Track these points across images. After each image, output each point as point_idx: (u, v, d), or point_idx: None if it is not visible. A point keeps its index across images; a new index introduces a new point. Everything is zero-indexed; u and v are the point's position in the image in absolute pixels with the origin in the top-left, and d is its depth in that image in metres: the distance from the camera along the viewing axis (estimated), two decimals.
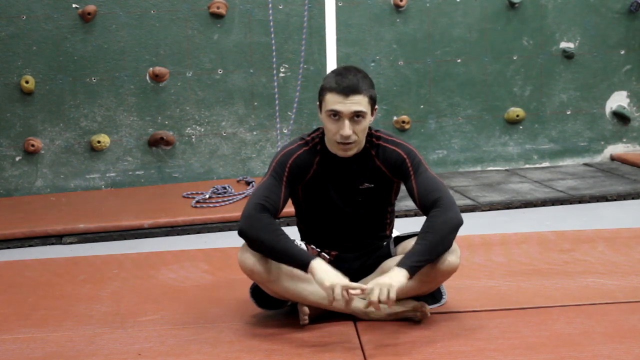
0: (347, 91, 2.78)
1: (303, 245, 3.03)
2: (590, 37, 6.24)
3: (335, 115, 2.81)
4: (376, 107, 2.91)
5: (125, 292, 3.50)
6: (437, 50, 6.11)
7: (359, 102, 2.79)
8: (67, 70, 5.76)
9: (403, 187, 3.02)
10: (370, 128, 2.95)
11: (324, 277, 2.69)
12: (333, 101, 2.80)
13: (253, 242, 2.81)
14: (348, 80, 2.79)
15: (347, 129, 2.79)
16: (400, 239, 3.03)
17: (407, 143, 2.97)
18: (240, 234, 2.83)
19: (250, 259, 2.83)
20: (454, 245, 2.85)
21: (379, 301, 2.66)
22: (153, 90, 5.87)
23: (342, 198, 2.96)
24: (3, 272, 3.91)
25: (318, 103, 2.90)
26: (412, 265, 2.72)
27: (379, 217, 3.05)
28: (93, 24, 5.75)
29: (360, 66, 5.91)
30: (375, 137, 2.95)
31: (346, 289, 2.70)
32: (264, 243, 2.78)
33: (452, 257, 2.84)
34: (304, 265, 2.74)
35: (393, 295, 2.65)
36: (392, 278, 2.68)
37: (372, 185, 2.95)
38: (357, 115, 2.80)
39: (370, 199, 2.98)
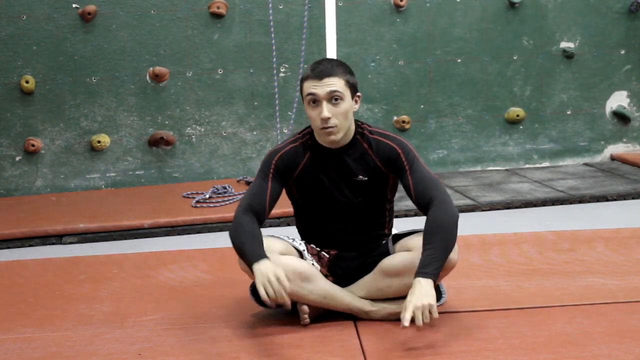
0: (321, 75, 2.84)
1: (303, 245, 3.03)
2: (590, 37, 6.24)
3: (314, 101, 2.86)
4: (358, 94, 2.94)
5: (125, 292, 3.50)
6: (437, 50, 6.12)
7: (334, 84, 2.84)
8: (67, 70, 5.76)
9: (401, 187, 3.02)
10: (360, 121, 2.99)
11: (259, 276, 2.68)
12: (309, 86, 2.87)
13: (232, 243, 2.84)
14: (322, 65, 2.88)
15: (325, 111, 2.83)
16: (398, 237, 3.03)
17: (400, 137, 2.99)
18: (229, 235, 2.87)
19: None
20: None
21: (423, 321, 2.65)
22: (153, 90, 5.88)
23: (338, 190, 2.97)
24: (3, 272, 3.92)
25: (301, 97, 2.95)
26: (435, 273, 2.70)
27: (377, 214, 3.05)
28: (93, 24, 5.75)
29: (360, 66, 5.95)
30: (368, 130, 2.97)
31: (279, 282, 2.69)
32: (235, 246, 2.83)
33: (451, 255, 2.83)
34: (250, 267, 2.76)
35: (435, 313, 2.65)
36: (425, 295, 2.64)
37: (366, 179, 2.96)
38: (334, 98, 2.84)
39: (366, 193, 2.98)
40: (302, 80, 2.91)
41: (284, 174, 2.96)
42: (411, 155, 2.92)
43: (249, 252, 2.76)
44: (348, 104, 2.87)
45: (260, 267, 2.70)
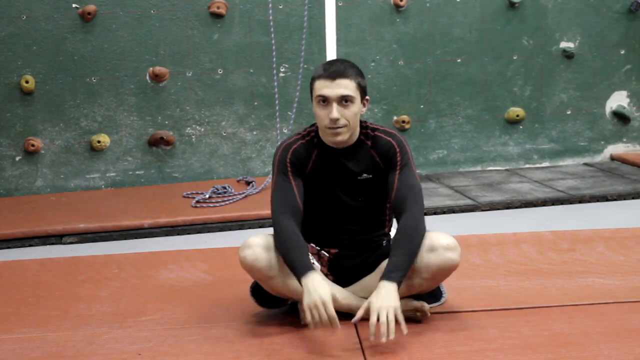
0: (334, 75, 2.85)
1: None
2: (590, 37, 6.24)
3: (324, 100, 2.86)
4: (367, 97, 2.96)
5: (125, 292, 3.51)
6: (437, 50, 6.11)
7: (346, 86, 2.85)
8: (67, 70, 5.76)
9: None
10: (365, 122, 2.99)
11: (307, 296, 2.69)
12: (320, 86, 2.87)
13: (278, 250, 2.86)
14: (335, 66, 2.88)
15: (335, 111, 2.84)
16: None
17: (400, 136, 3.00)
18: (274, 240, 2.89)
19: (251, 256, 2.84)
20: (455, 242, 2.87)
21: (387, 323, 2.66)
22: (153, 90, 5.88)
23: (342, 190, 2.98)
24: (3, 272, 3.92)
25: (310, 95, 2.95)
26: (400, 280, 2.75)
27: (377, 212, 3.05)
28: (93, 24, 5.75)
29: (360, 66, 5.92)
30: (370, 129, 2.99)
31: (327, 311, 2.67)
32: (281, 254, 2.84)
33: (452, 255, 2.84)
34: (298, 279, 2.77)
35: (400, 317, 2.68)
36: (390, 298, 2.68)
37: (370, 176, 2.97)
38: (345, 100, 2.85)
39: (369, 191, 2.99)
40: (314, 79, 2.91)
41: (299, 169, 2.97)
42: (406, 157, 2.94)
43: (295, 261, 2.77)
44: (357, 106, 2.89)
45: (309, 285, 2.70)
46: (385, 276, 2.74)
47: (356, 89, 2.87)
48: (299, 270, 2.76)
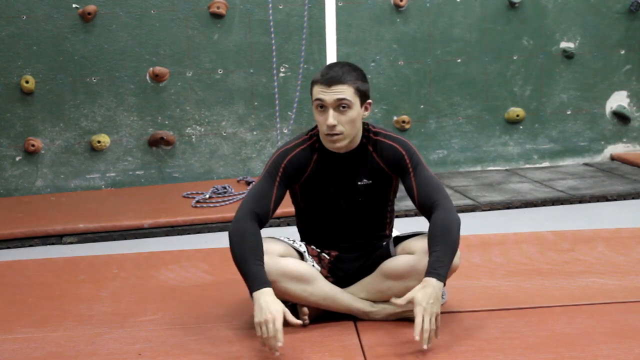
0: (330, 81, 2.81)
1: (304, 246, 3.03)
2: (590, 37, 6.24)
3: (321, 106, 2.84)
4: (369, 101, 2.92)
5: (125, 292, 3.51)
6: (437, 50, 6.12)
7: (343, 92, 2.81)
8: (67, 70, 5.76)
9: (402, 187, 3.02)
10: (367, 124, 2.96)
11: (258, 312, 2.65)
12: (317, 91, 2.84)
13: (231, 249, 2.81)
14: (332, 71, 2.84)
15: (331, 118, 2.81)
16: (399, 239, 3.03)
17: (404, 139, 2.98)
18: (229, 237, 2.83)
19: None
20: None
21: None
22: (153, 90, 5.88)
23: (341, 195, 2.96)
24: (3, 272, 3.91)
25: (311, 99, 2.93)
26: (445, 275, 2.71)
27: (378, 216, 3.04)
28: (93, 24, 5.75)
29: (360, 66, 5.95)
30: (372, 132, 2.96)
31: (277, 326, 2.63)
32: (234, 255, 2.79)
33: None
34: (250, 292, 2.72)
35: (439, 322, 2.68)
36: (436, 300, 2.65)
37: (370, 182, 2.95)
38: (342, 106, 2.81)
39: (369, 196, 2.97)
40: (312, 83, 2.88)
41: (292, 178, 2.93)
42: (415, 158, 2.91)
43: (250, 274, 2.72)
44: (356, 112, 2.84)
45: (261, 301, 2.66)
46: (430, 272, 2.69)
47: (354, 94, 2.83)
48: (253, 282, 2.71)
